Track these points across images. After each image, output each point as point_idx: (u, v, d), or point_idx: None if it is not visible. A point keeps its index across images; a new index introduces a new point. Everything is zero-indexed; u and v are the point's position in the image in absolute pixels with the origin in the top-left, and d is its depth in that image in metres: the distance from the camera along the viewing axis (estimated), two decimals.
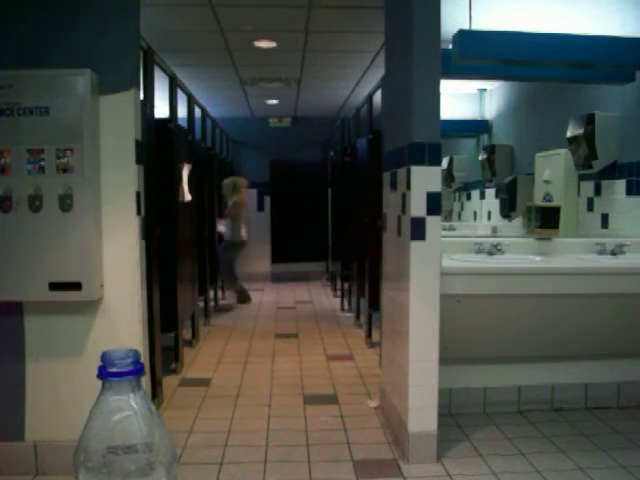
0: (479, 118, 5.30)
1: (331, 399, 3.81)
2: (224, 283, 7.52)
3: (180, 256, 4.41)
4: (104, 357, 1.12)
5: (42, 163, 2.51)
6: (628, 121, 3.77)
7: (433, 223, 2.81)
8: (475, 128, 5.33)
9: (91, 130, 2.55)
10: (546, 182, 4.32)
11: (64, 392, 2.70)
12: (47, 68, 2.54)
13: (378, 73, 5.57)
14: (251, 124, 9.65)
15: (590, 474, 2.73)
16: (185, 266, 4.67)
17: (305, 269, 9.75)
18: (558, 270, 3.14)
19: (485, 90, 5.26)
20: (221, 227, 7.17)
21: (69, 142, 2.51)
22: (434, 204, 2.81)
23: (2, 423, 2.72)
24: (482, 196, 5.28)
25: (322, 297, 8.01)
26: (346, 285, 7.00)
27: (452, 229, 5.20)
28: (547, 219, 3.77)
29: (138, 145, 2.70)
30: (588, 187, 4.10)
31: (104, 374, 1.11)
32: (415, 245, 2.81)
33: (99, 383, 1.11)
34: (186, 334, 4.97)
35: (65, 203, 2.53)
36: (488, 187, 5.16)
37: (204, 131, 6.56)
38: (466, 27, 3.42)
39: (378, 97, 4.79)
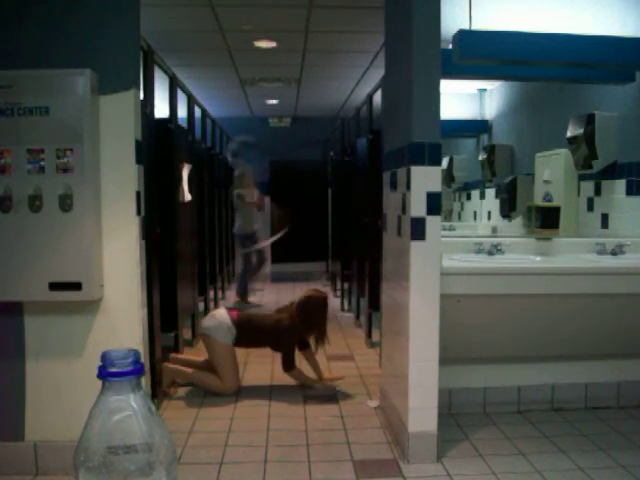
0: (479, 118, 5.30)
1: (331, 399, 3.81)
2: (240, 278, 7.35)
3: (180, 256, 4.40)
4: (104, 357, 1.12)
5: (42, 163, 2.50)
6: (628, 121, 3.77)
7: (433, 223, 2.81)
8: (475, 128, 5.33)
9: (91, 130, 2.54)
10: (546, 182, 4.32)
11: (64, 392, 2.69)
12: (47, 68, 2.54)
13: (378, 73, 5.57)
14: (251, 124, 9.65)
15: (590, 474, 2.73)
16: (185, 266, 4.67)
17: (305, 269, 9.74)
18: (558, 270, 3.14)
19: (485, 90, 5.26)
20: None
21: (69, 142, 2.51)
22: (434, 204, 2.80)
23: (2, 423, 2.72)
24: (482, 196, 5.28)
25: None
26: (346, 285, 6.98)
27: (452, 229, 5.20)
28: (547, 219, 3.77)
29: (138, 145, 2.70)
30: (588, 187, 4.10)
31: (104, 374, 1.10)
32: (415, 245, 2.81)
33: (99, 383, 1.11)
34: (186, 334, 4.97)
35: (65, 203, 2.52)
36: (488, 187, 5.16)
37: (204, 131, 6.55)
38: (466, 27, 3.42)
39: (378, 97, 4.79)
